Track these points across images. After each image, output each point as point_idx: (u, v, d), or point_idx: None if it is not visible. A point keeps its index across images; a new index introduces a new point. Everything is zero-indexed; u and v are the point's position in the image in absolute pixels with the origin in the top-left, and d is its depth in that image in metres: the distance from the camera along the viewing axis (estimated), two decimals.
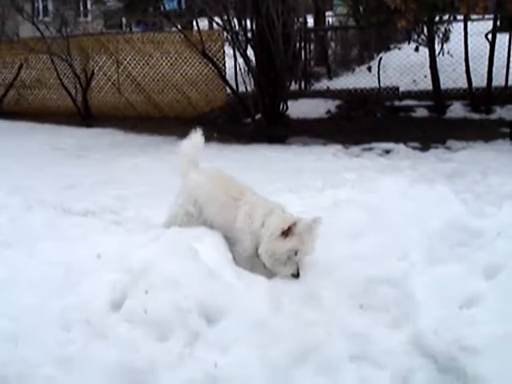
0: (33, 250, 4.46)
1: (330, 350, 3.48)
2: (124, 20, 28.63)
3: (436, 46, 14.53)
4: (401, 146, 10.86)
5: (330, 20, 24.24)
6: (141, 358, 3.23)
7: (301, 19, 15.42)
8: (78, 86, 15.54)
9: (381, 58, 15.61)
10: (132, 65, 15.59)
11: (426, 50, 13.67)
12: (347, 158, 10.23)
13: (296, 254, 4.17)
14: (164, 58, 15.35)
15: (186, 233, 4.51)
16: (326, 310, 3.90)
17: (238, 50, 13.68)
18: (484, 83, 13.04)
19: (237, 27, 13.57)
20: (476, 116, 12.89)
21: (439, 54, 15.88)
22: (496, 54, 12.97)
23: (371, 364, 3.53)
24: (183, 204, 4.93)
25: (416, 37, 15.59)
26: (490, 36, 12.74)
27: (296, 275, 4.19)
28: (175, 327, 3.43)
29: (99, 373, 3.09)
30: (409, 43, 23.56)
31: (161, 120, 14.65)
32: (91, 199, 7.21)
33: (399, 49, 22.09)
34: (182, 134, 13.41)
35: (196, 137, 5.21)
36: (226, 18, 13.12)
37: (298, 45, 15.58)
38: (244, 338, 3.39)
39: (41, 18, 22.42)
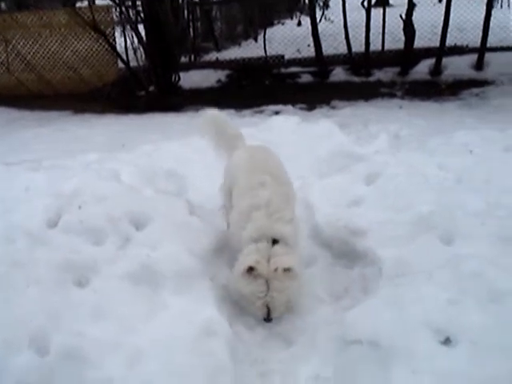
0: None
1: None
2: (3, 5, 28.05)
3: (317, 14, 15.40)
4: (289, 108, 11.69)
5: None
6: (82, 256, 3.74)
7: None
8: None
9: (265, 28, 16.34)
10: (21, 44, 15.51)
11: (309, 23, 14.35)
12: (240, 119, 10.86)
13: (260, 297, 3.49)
14: (53, 36, 15.36)
15: (107, 165, 5.00)
16: None
17: (129, 24, 14.01)
18: (363, 49, 13.98)
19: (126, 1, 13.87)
20: (356, 79, 13.88)
21: (320, 20, 16.67)
22: (374, 23, 13.88)
23: None
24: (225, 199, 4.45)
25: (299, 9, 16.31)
26: (365, 3, 13.66)
27: (266, 319, 3.57)
28: (109, 233, 3.97)
29: (48, 269, 3.55)
30: (292, 18, 24.62)
31: (54, 97, 14.66)
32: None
33: (283, 24, 22.99)
34: (76, 109, 13.47)
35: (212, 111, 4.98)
36: None
37: (186, 17, 16.09)
38: (170, 237, 3.97)
39: None
